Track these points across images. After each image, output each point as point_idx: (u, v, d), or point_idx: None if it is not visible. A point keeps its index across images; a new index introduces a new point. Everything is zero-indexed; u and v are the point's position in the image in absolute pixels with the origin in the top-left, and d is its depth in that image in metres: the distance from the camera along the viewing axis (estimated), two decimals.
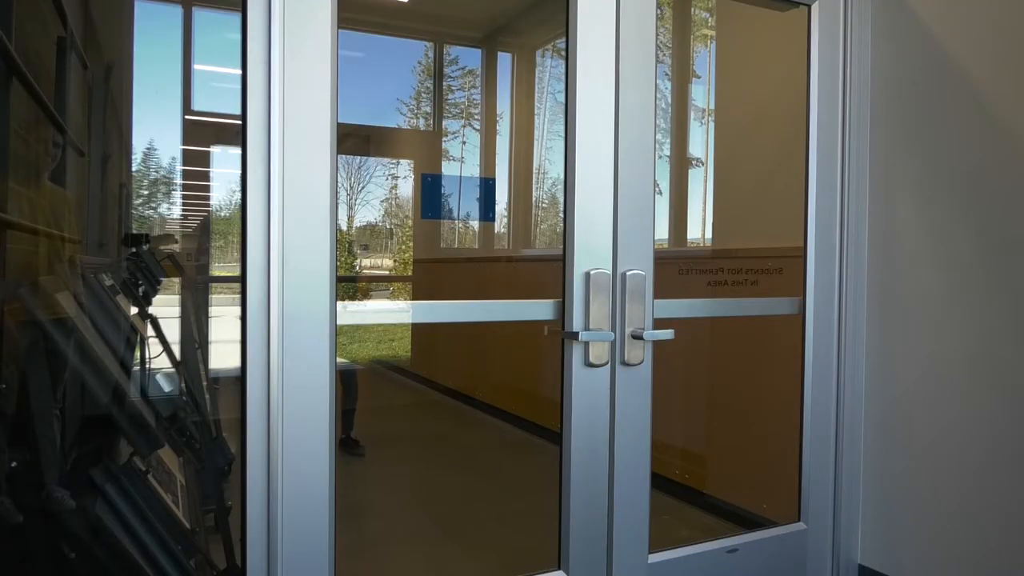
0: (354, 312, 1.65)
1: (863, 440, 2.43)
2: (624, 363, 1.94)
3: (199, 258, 4.86)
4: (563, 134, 1.88)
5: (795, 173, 2.61)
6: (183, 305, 3.57)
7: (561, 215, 1.94)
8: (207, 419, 2.90)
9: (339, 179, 1.55)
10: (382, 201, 7.97)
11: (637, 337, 1.93)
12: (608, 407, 1.95)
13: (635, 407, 1.98)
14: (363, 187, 8.12)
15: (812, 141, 2.36)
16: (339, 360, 1.77)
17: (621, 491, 1.97)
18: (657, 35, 2.03)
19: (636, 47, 1.94)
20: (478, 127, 6.45)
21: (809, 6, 2.34)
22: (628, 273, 1.93)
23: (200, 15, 4.77)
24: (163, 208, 5.20)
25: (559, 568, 1.90)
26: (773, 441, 2.93)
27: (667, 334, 1.97)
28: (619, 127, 1.93)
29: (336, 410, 1.53)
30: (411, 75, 6.76)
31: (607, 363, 1.91)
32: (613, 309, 1.92)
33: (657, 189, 2.24)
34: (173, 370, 2.72)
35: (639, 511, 2.00)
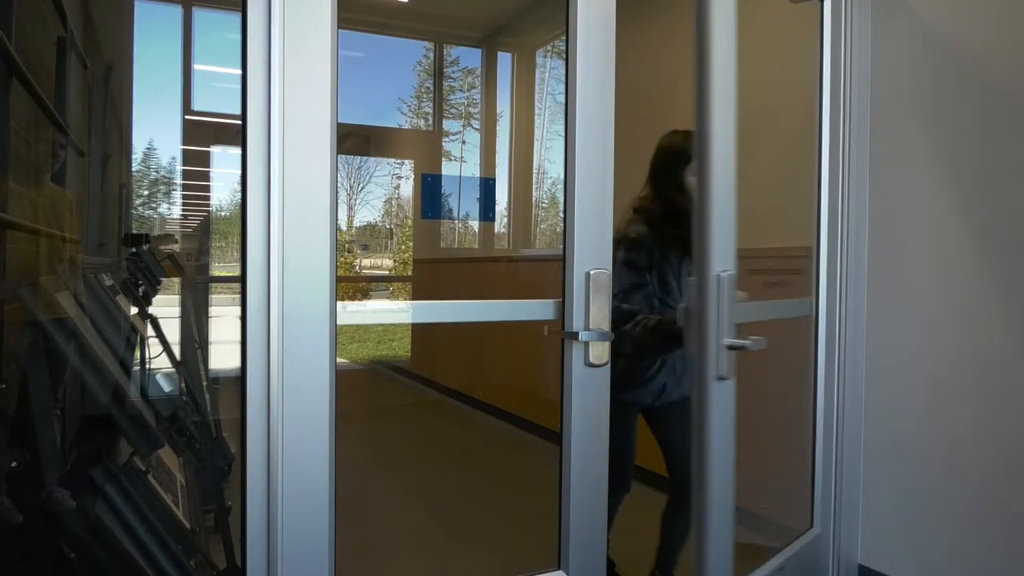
0: (354, 312, 1.64)
1: (862, 441, 2.42)
2: None
3: (200, 258, 4.86)
4: (563, 134, 1.88)
5: (783, 173, 2.61)
6: (183, 305, 3.57)
7: (561, 215, 1.94)
8: (207, 419, 2.90)
9: (339, 179, 1.55)
10: (383, 201, 7.97)
11: None
12: (608, 407, 1.95)
13: None
14: (363, 187, 8.12)
15: (824, 140, 2.35)
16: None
17: None
18: None
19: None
20: (478, 127, 6.45)
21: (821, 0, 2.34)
22: None
23: (200, 15, 4.77)
24: (163, 208, 5.20)
25: (559, 568, 1.90)
26: (772, 440, 2.93)
27: None
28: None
29: (335, 410, 1.53)
30: (411, 75, 6.77)
31: (607, 363, 1.91)
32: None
33: None
34: (173, 370, 2.72)
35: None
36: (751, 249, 3.05)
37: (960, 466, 2.13)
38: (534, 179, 5.43)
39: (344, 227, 7.76)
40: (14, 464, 1.53)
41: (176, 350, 2.89)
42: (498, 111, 5.92)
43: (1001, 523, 2.03)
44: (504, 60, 5.76)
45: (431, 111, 6.77)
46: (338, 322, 1.53)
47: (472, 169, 6.45)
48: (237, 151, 1.44)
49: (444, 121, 6.72)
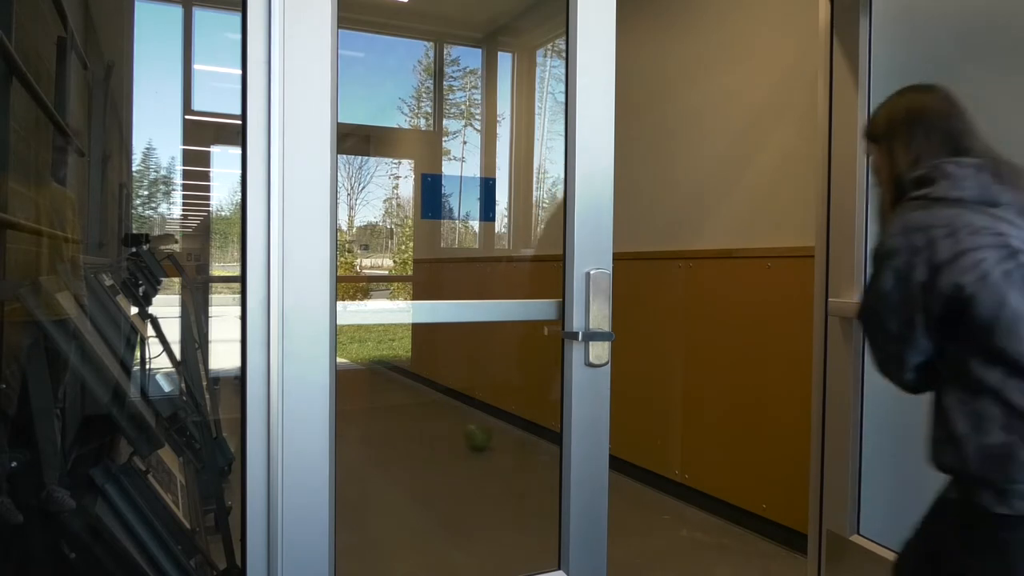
0: (354, 312, 1.64)
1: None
2: None
3: (202, 258, 4.87)
4: (563, 134, 1.88)
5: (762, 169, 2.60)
6: (183, 305, 3.57)
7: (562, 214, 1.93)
8: (207, 419, 2.90)
9: (339, 179, 1.55)
10: (384, 201, 7.98)
11: None
12: (608, 407, 1.95)
13: None
14: (363, 187, 8.12)
15: (834, 136, 2.35)
16: None
17: None
18: None
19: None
20: (478, 127, 6.45)
21: None
22: None
23: (200, 15, 4.77)
24: (163, 208, 5.21)
25: (559, 568, 1.90)
26: (773, 440, 2.93)
27: None
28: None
29: (335, 410, 1.53)
30: (411, 75, 6.77)
31: (607, 363, 1.91)
32: (613, 309, 1.91)
33: None
34: (173, 370, 2.72)
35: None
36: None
37: None
38: (535, 179, 5.43)
39: (344, 227, 7.76)
40: (14, 464, 1.53)
41: (176, 350, 2.89)
42: (498, 111, 5.92)
43: None
44: (504, 60, 5.75)
45: (431, 111, 6.77)
46: (338, 322, 1.53)
47: (472, 169, 6.46)
48: (237, 151, 1.44)
49: (444, 121, 6.72)
